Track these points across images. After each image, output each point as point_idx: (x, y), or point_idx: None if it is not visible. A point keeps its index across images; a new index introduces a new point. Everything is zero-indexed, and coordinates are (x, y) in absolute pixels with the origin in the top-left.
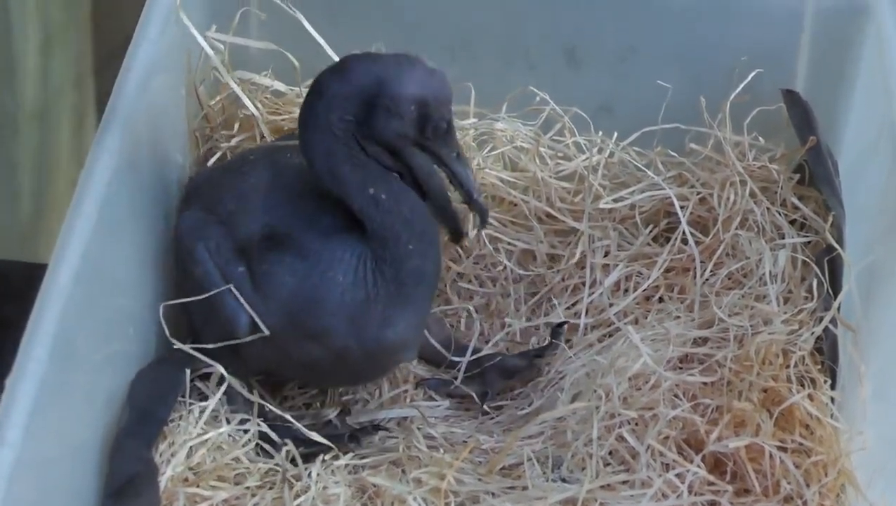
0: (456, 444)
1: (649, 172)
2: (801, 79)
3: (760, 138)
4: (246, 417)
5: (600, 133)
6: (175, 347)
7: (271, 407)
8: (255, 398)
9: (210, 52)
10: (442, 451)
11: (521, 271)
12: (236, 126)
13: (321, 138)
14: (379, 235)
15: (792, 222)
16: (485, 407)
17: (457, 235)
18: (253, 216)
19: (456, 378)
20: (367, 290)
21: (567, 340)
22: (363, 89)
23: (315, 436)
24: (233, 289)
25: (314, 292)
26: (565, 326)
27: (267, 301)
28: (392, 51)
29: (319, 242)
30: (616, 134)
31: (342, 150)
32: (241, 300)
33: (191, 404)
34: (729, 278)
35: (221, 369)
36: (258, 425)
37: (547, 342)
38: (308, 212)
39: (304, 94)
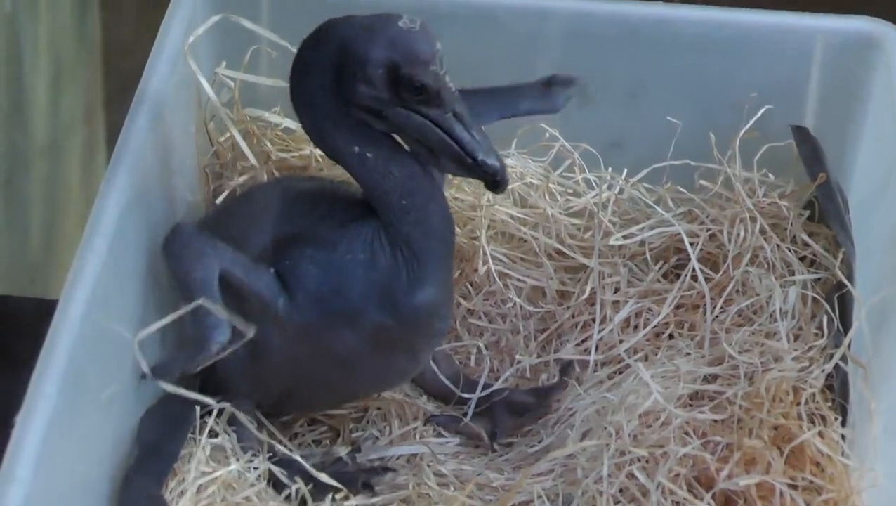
0: (466, 481)
1: (659, 209)
2: (811, 115)
3: (770, 175)
4: (255, 453)
5: (610, 169)
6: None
7: (281, 447)
8: (263, 437)
9: (213, 96)
10: (452, 488)
11: (531, 308)
12: (246, 163)
13: (305, 103)
14: (373, 196)
15: (802, 259)
16: (494, 446)
17: (490, 185)
18: (263, 229)
19: (465, 414)
20: (387, 260)
21: (577, 378)
22: (333, 54)
23: (325, 478)
24: (266, 274)
25: (339, 275)
26: (574, 364)
27: (295, 297)
28: None
29: (336, 231)
30: (626, 170)
31: (326, 112)
32: (275, 285)
33: (200, 440)
34: (739, 315)
35: (237, 412)
36: (267, 462)
37: (557, 380)
38: (320, 212)
39: None
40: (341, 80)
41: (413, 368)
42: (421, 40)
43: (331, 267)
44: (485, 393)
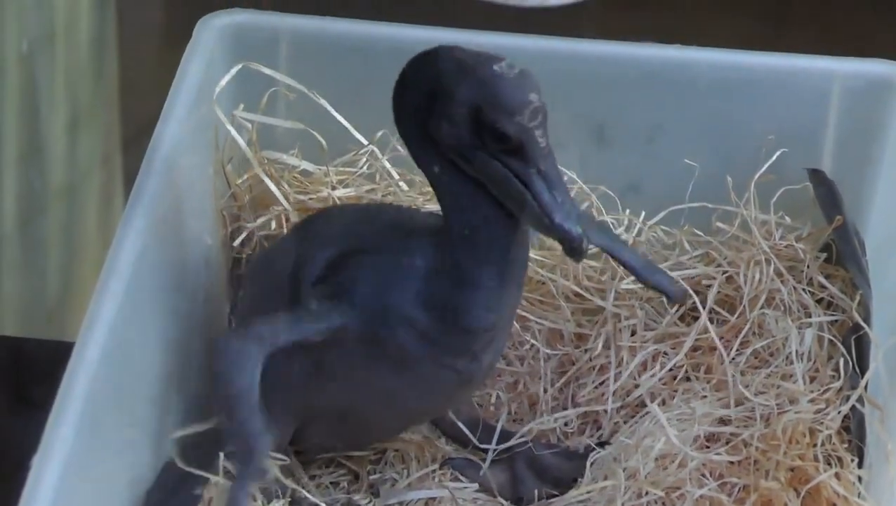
0: None
1: (675, 253)
2: (828, 158)
3: (787, 217)
4: (277, 496)
5: (628, 211)
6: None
7: (304, 492)
8: (290, 484)
9: (238, 137)
10: None
11: (549, 351)
12: (265, 206)
13: (399, 113)
14: (444, 211)
15: (819, 301)
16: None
17: (567, 250)
18: (322, 249)
19: (484, 460)
20: (447, 273)
21: (595, 422)
22: (428, 83)
23: None
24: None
25: (394, 276)
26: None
27: (353, 303)
28: None
29: (396, 241)
30: (643, 213)
31: (415, 128)
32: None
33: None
34: (755, 357)
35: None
36: None
37: (584, 447)
38: (381, 229)
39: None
40: (431, 111)
41: (476, 373)
42: (512, 88)
43: (384, 269)
44: (504, 445)
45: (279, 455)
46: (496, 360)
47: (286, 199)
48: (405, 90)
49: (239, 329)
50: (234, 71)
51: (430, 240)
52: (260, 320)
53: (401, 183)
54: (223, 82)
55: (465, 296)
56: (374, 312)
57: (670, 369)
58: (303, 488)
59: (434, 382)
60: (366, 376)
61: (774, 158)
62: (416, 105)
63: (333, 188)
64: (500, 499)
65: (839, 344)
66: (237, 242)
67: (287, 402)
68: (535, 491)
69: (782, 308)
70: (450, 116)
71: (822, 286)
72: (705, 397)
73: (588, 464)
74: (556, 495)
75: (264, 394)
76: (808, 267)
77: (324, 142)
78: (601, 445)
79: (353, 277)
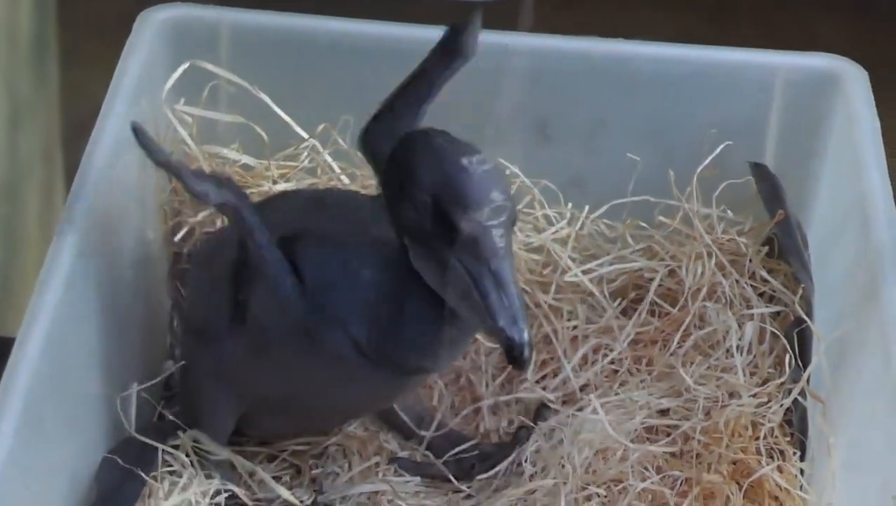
0: None
1: (617, 246)
2: (771, 152)
3: (729, 211)
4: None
5: (570, 205)
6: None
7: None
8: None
9: (182, 131)
10: None
11: (491, 344)
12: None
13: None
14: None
15: (762, 295)
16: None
17: (510, 359)
18: (274, 229)
19: (427, 455)
20: (391, 297)
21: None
22: (404, 163)
23: None
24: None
25: (338, 276)
26: (547, 406)
27: (297, 285)
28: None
29: (348, 236)
30: (587, 207)
31: (390, 201)
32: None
33: (164, 477)
34: (696, 350)
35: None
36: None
37: (521, 428)
38: (334, 216)
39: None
40: (397, 189)
41: (397, 392)
42: (475, 184)
43: (338, 258)
44: (456, 450)
45: (223, 449)
46: (448, 365)
47: None
48: (392, 163)
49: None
50: (179, 71)
51: (383, 253)
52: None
53: (342, 177)
54: (170, 83)
55: (406, 331)
56: (316, 303)
57: (611, 362)
58: (245, 483)
59: (369, 386)
60: (302, 367)
61: (717, 151)
62: (395, 179)
63: (275, 182)
64: (442, 489)
65: (781, 337)
66: (178, 238)
67: (230, 388)
68: (465, 469)
69: (724, 301)
70: (413, 199)
71: (765, 280)
72: (645, 388)
73: (528, 452)
74: (486, 470)
75: (209, 381)
76: (749, 261)
77: (265, 136)
78: (539, 412)
79: (303, 259)
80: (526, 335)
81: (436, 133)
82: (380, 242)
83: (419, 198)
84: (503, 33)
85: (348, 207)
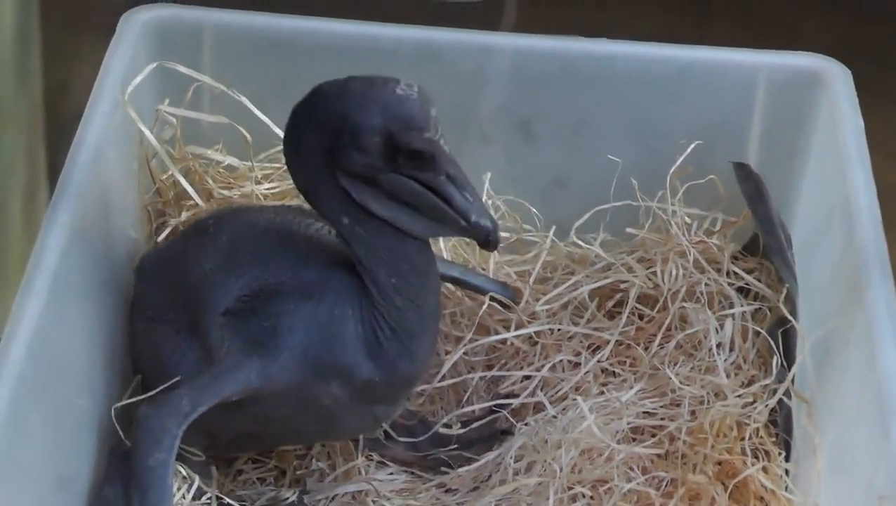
0: None
1: (598, 249)
2: (754, 151)
3: (710, 211)
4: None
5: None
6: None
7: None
8: (212, 490)
9: (152, 138)
10: None
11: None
12: (188, 201)
13: (297, 167)
14: (362, 267)
15: (745, 295)
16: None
17: (482, 244)
18: (236, 275)
19: (407, 446)
20: (374, 323)
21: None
22: (326, 121)
23: None
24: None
25: (327, 330)
26: (510, 429)
27: (279, 356)
28: None
29: (321, 282)
30: (568, 211)
31: (318, 180)
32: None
33: None
34: (678, 349)
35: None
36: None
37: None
38: (298, 255)
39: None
40: (334, 148)
41: (391, 414)
42: (416, 107)
43: (317, 322)
44: (437, 451)
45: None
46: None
47: (210, 194)
48: (299, 139)
49: (159, 400)
50: (148, 69)
51: (354, 282)
52: (184, 388)
53: None
54: (137, 80)
55: (404, 343)
56: (306, 366)
57: (598, 362)
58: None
59: (350, 425)
60: (281, 415)
61: (689, 150)
62: (314, 150)
63: (258, 183)
64: (427, 486)
65: (765, 334)
66: (162, 237)
67: (200, 423)
68: (443, 457)
69: (703, 301)
70: (361, 146)
71: (741, 278)
72: (630, 389)
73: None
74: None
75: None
76: (730, 262)
77: (248, 136)
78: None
79: (279, 325)
80: (491, 221)
81: (342, 82)
82: (345, 269)
83: (366, 140)
84: (485, 33)
85: (300, 235)
